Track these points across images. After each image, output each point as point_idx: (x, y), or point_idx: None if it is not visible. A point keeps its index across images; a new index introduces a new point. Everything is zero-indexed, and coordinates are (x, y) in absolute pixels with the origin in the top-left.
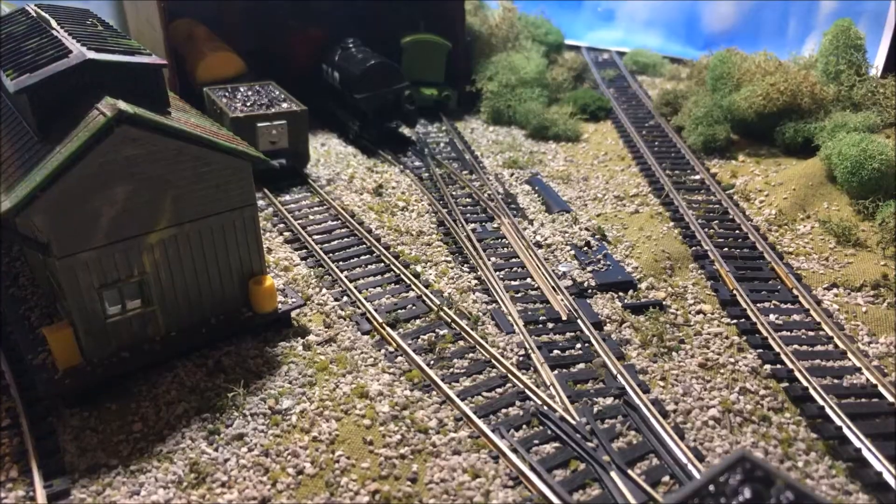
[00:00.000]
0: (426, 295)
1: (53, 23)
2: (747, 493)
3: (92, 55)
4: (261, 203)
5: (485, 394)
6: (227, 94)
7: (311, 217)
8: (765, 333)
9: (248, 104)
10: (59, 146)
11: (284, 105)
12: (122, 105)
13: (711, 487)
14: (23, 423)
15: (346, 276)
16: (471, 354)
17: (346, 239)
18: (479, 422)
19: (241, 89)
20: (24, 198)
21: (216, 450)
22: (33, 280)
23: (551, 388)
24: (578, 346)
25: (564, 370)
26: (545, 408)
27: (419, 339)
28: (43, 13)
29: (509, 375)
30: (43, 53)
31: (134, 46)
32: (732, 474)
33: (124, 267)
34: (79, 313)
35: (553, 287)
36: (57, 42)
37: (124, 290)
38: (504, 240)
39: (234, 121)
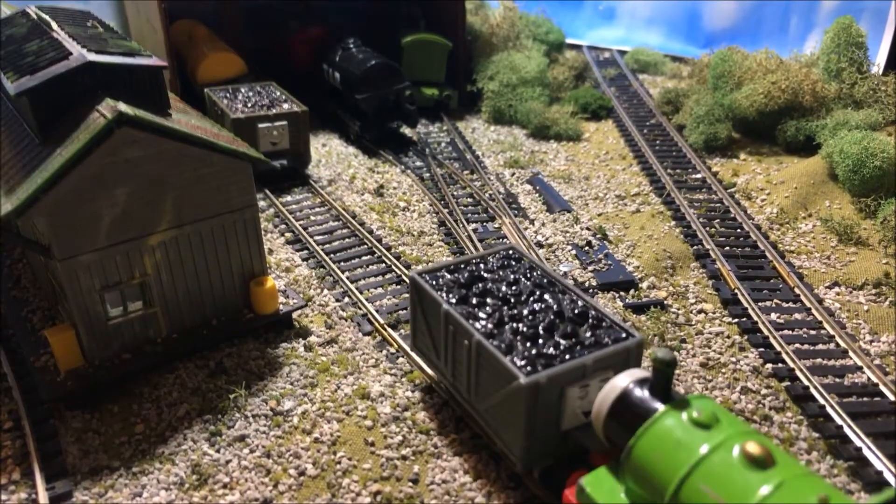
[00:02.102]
0: None
1: (54, 25)
2: (497, 263)
3: (92, 57)
4: (262, 204)
5: None
6: (227, 94)
7: (312, 218)
8: (766, 332)
9: (249, 105)
10: (60, 148)
11: (285, 106)
12: (123, 107)
13: (477, 261)
14: (25, 426)
15: (347, 277)
16: None
17: (347, 240)
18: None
19: (242, 90)
20: (26, 200)
21: (218, 451)
22: (35, 282)
23: None
24: None
25: None
26: None
27: None
28: (43, 15)
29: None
30: (43, 55)
31: (134, 48)
32: (497, 256)
33: (126, 269)
34: (80, 315)
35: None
36: (57, 44)
37: (126, 291)
38: (505, 240)
39: (234, 122)
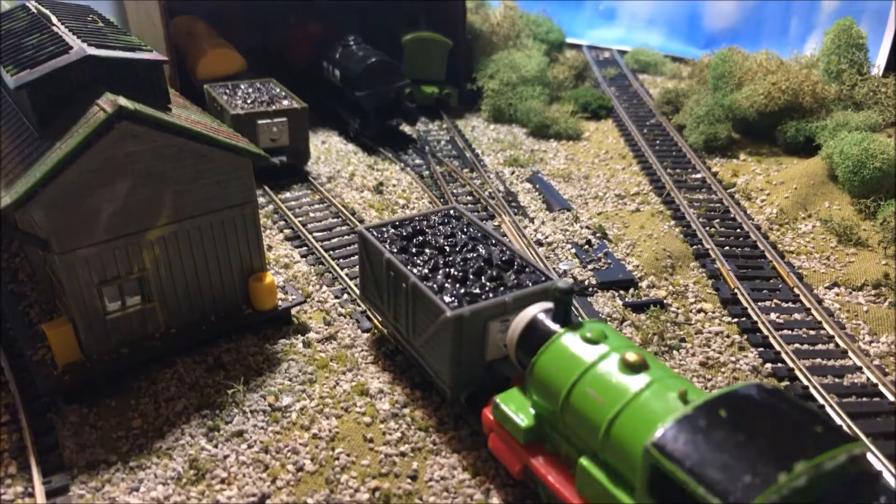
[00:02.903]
0: None
1: (54, 19)
2: (439, 220)
3: (92, 51)
4: (261, 200)
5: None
6: (227, 90)
7: (311, 214)
8: (766, 332)
9: (249, 101)
10: (60, 142)
11: (285, 102)
12: (123, 101)
13: (420, 218)
14: (22, 419)
15: (346, 274)
16: None
17: (346, 237)
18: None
19: (242, 86)
20: (24, 194)
21: (216, 446)
22: (33, 276)
23: None
24: None
25: None
26: None
27: None
28: (43, 9)
29: None
30: (43, 49)
31: (134, 43)
32: (439, 214)
33: (124, 263)
34: (78, 309)
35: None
36: (57, 38)
37: (124, 286)
38: (505, 238)
39: (234, 118)
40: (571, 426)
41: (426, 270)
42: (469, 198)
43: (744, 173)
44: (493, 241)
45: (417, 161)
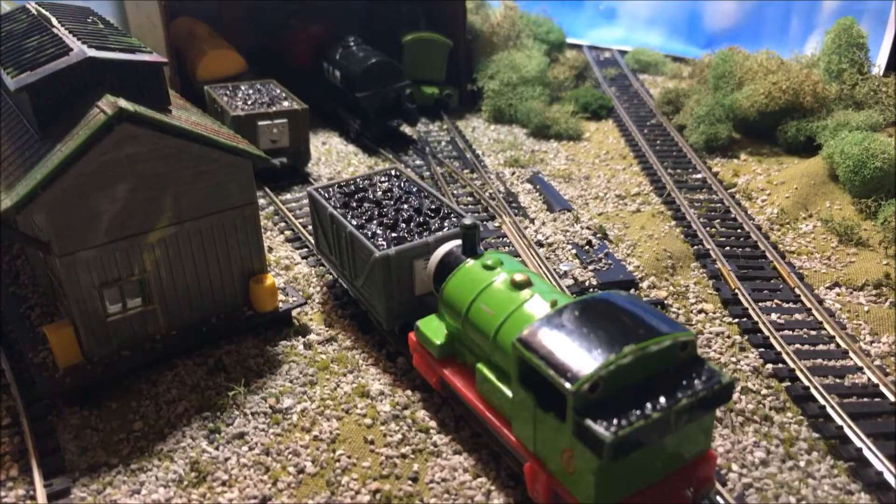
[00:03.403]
0: None
1: (54, 21)
2: (381, 179)
3: (92, 53)
4: (262, 202)
5: None
6: (227, 92)
7: None
8: (766, 333)
9: (249, 102)
10: (60, 144)
11: (285, 103)
12: (123, 103)
13: (364, 178)
14: (23, 422)
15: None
16: None
17: None
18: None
19: (242, 87)
20: (25, 196)
21: (217, 448)
22: (34, 278)
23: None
24: None
25: None
26: None
27: None
28: (44, 11)
29: None
30: (43, 51)
31: (135, 44)
32: (382, 175)
33: (125, 265)
34: (79, 312)
35: (555, 286)
36: (57, 40)
37: (125, 288)
38: (505, 239)
39: (235, 119)
40: (471, 337)
41: (363, 220)
42: (469, 199)
43: (744, 173)
44: (426, 195)
45: (418, 162)
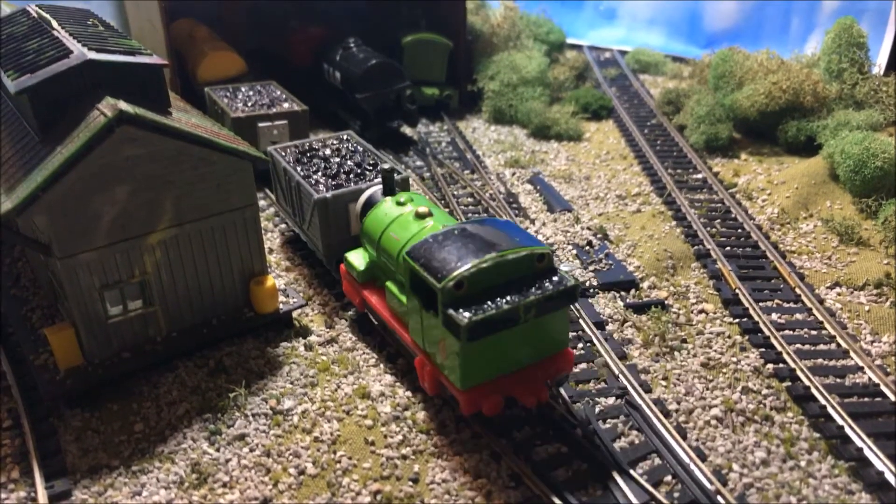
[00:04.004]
0: None
1: (54, 23)
2: (333, 141)
3: (93, 55)
4: (262, 203)
5: None
6: (228, 94)
7: None
8: (767, 333)
9: (250, 104)
10: (60, 146)
11: (286, 105)
12: (123, 105)
13: (319, 141)
14: (24, 424)
15: None
16: None
17: None
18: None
19: (243, 89)
20: (26, 198)
21: (218, 450)
22: (35, 280)
23: (553, 388)
24: (580, 345)
25: None
26: (547, 408)
27: None
28: (44, 14)
29: None
30: (44, 54)
31: (135, 47)
32: (335, 138)
33: (125, 267)
34: (80, 314)
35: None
36: (58, 42)
37: (126, 290)
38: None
39: (235, 121)
40: (383, 261)
41: (310, 172)
42: (470, 199)
43: (745, 173)
44: (369, 154)
45: (418, 163)
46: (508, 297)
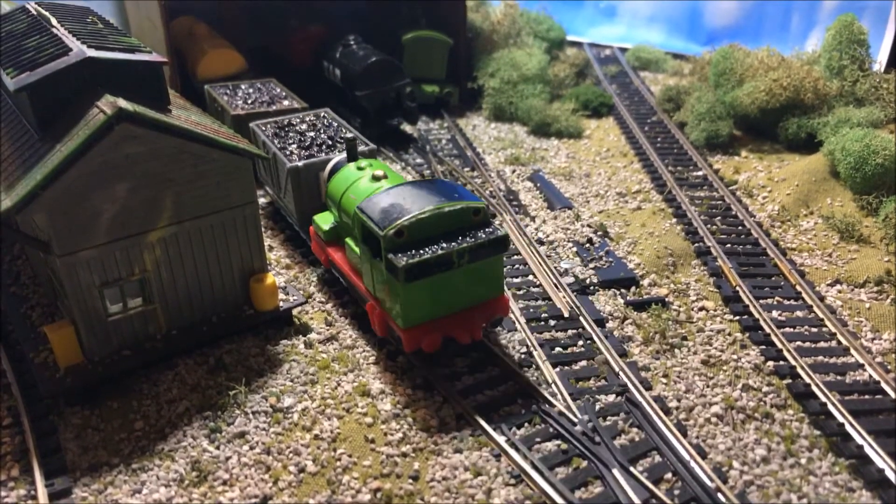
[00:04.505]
0: None
1: (54, 21)
2: (311, 116)
3: (92, 53)
4: (262, 201)
5: (486, 392)
6: (227, 91)
7: None
8: (767, 330)
9: (249, 101)
10: (60, 144)
11: (285, 102)
12: (123, 103)
13: (297, 116)
14: (24, 422)
15: None
16: (472, 353)
17: None
18: (481, 420)
19: (243, 87)
20: (25, 196)
21: (218, 448)
22: (34, 278)
23: (553, 385)
24: (580, 343)
25: (566, 367)
26: (547, 405)
27: None
28: (43, 11)
29: (511, 373)
30: (43, 52)
31: (134, 44)
32: (311, 115)
33: (125, 265)
34: (80, 312)
35: (555, 284)
36: (57, 40)
37: (125, 288)
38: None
39: (235, 118)
40: (344, 220)
41: (286, 144)
42: None
43: (745, 170)
44: (344, 129)
45: (418, 160)
46: (444, 245)
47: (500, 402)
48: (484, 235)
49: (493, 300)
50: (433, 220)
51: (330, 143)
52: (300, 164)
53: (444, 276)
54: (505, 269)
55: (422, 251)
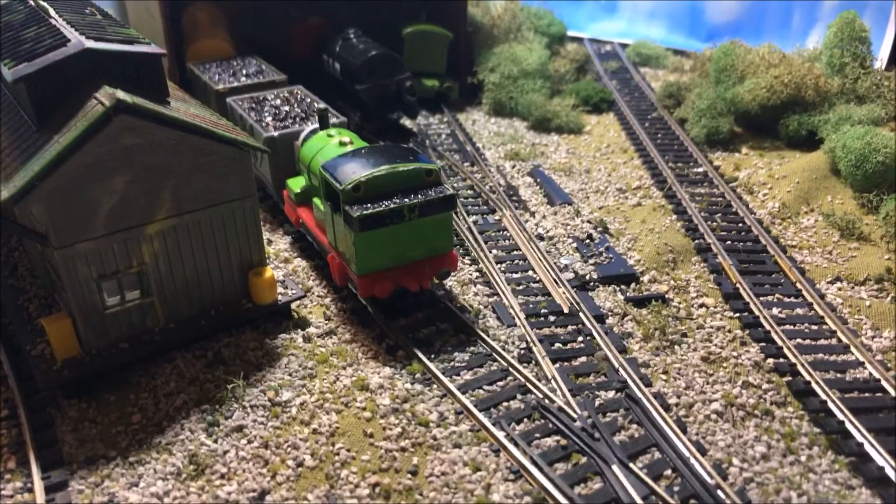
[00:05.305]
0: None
1: (52, 11)
2: (282, 93)
3: (90, 44)
4: (261, 193)
5: (486, 387)
6: (211, 68)
7: None
8: (768, 327)
9: (230, 74)
10: (58, 135)
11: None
12: (121, 94)
13: (271, 93)
14: (21, 414)
15: None
16: (472, 348)
17: None
18: (480, 415)
19: (224, 63)
20: (22, 187)
21: (215, 441)
22: (32, 270)
23: (553, 381)
24: (580, 339)
25: (566, 363)
26: (546, 401)
27: (420, 333)
28: (41, 2)
29: (510, 369)
30: (41, 42)
31: (133, 35)
32: (283, 92)
33: (123, 257)
34: (77, 304)
35: (555, 280)
36: (55, 31)
37: (123, 280)
38: (506, 232)
39: (217, 94)
40: (313, 183)
41: (262, 118)
42: (470, 192)
43: (746, 167)
44: (317, 102)
45: None
46: (397, 200)
47: (499, 397)
48: (434, 193)
49: (442, 255)
50: (388, 178)
51: (304, 115)
52: (276, 134)
53: (395, 228)
54: (504, 265)
55: (376, 205)
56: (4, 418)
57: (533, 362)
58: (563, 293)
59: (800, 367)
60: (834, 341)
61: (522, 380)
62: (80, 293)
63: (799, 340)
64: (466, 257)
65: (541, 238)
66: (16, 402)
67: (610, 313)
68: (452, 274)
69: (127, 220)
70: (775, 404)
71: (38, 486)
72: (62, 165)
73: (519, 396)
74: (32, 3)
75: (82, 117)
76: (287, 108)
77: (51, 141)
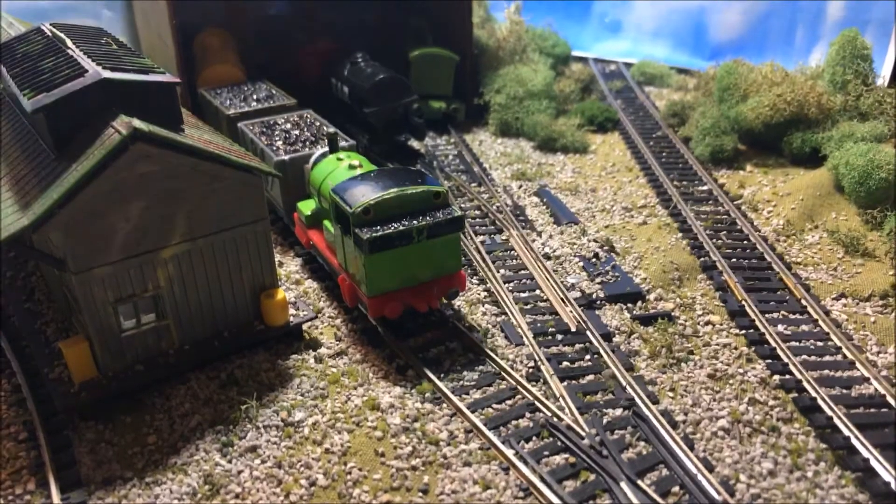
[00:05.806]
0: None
1: (69, 42)
2: (293, 118)
3: (107, 74)
4: (272, 216)
5: (494, 406)
6: (222, 93)
7: None
8: (773, 344)
9: (241, 99)
10: (76, 164)
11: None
12: (137, 123)
13: (281, 117)
14: (39, 436)
15: None
16: (480, 367)
17: None
18: (490, 434)
19: (235, 88)
20: (42, 215)
21: (230, 462)
22: (49, 295)
23: (561, 399)
24: (588, 357)
25: (574, 382)
26: (554, 419)
27: (429, 352)
28: (58, 32)
29: (519, 387)
30: (59, 73)
31: (148, 65)
32: (294, 114)
33: (139, 281)
34: (94, 327)
35: (562, 299)
36: (72, 62)
37: (139, 304)
38: (513, 252)
39: (229, 119)
40: (323, 206)
41: (272, 141)
42: (477, 212)
43: (750, 185)
44: (326, 126)
45: None
46: (405, 222)
47: (508, 416)
48: (442, 215)
49: (450, 275)
50: (397, 201)
51: (313, 139)
52: (286, 157)
53: (404, 249)
54: (512, 284)
55: (385, 227)
56: (24, 440)
57: (541, 381)
58: (571, 312)
59: (806, 384)
60: (839, 357)
61: (531, 398)
62: (97, 317)
63: (805, 357)
64: (474, 277)
65: (547, 257)
66: (35, 425)
67: (617, 331)
68: (461, 294)
69: (142, 244)
70: (782, 420)
71: None
72: (80, 193)
73: (527, 415)
74: (49, 33)
75: (100, 146)
76: (297, 131)
77: (69, 169)
